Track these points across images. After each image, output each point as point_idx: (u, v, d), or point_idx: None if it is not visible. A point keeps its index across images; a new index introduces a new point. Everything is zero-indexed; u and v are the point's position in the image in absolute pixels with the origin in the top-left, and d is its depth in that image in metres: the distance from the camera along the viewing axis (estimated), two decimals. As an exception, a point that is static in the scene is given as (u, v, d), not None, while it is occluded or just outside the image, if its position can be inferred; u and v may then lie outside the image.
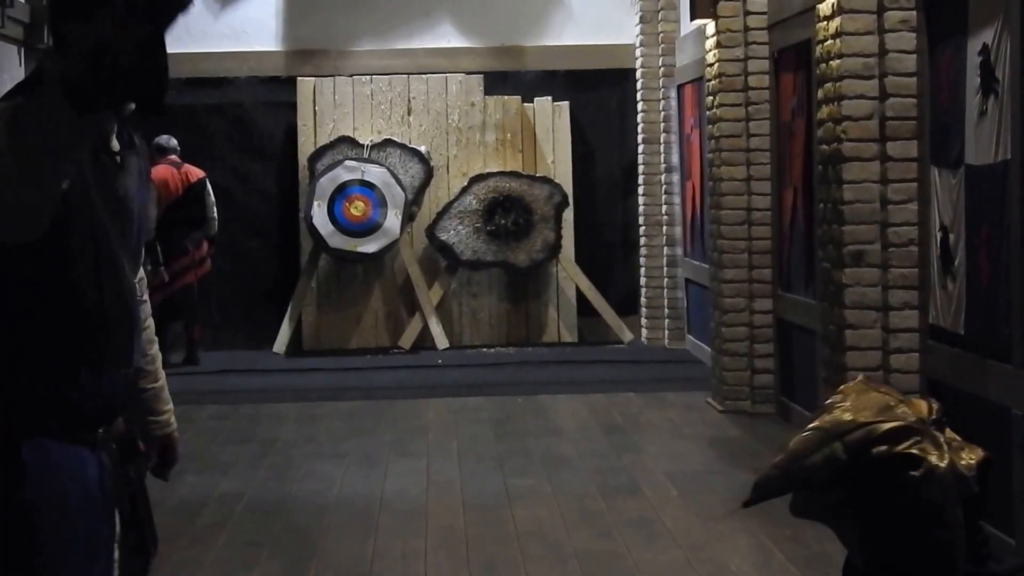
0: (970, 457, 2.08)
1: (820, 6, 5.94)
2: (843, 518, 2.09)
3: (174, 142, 9.80)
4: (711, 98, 7.89)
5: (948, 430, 2.12)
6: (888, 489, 2.03)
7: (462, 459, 6.82)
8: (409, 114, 10.71)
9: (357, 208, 10.27)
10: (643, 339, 10.61)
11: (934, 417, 2.11)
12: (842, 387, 2.15)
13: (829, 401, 2.13)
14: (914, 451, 2.04)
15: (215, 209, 9.85)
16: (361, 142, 10.50)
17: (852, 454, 2.04)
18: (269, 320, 10.50)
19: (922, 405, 2.12)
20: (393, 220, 10.25)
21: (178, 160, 9.77)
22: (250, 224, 10.78)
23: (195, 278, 9.78)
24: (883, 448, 2.04)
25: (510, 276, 10.65)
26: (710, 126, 7.95)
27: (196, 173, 9.79)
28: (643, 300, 10.64)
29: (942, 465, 2.04)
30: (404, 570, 5.06)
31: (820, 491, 2.08)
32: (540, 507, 5.85)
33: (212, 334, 10.35)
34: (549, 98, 10.76)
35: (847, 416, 2.07)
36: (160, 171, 9.45)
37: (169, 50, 2.08)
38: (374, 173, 10.31)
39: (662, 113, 10.38)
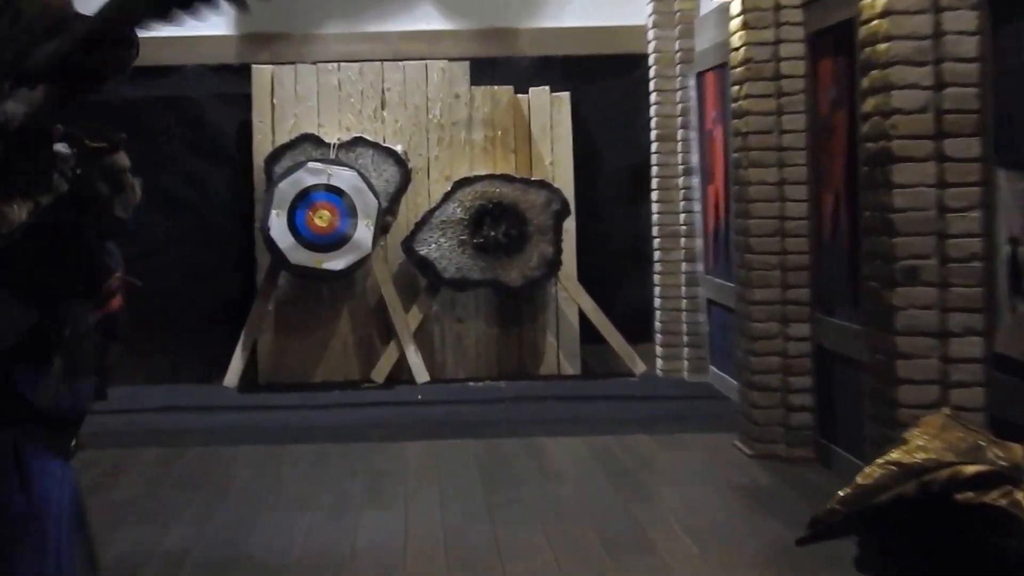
0: None
1: (865, -20, 5.96)
2: (903, 566, 2.07)
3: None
4: (737, 88, 7.89)
5: None
6: (968, 540, 2.01)
7: (446, 509, 6.80)
8: (383, 108, 10.71)
9: (322, 218, 10.26)
10: (658, 370, 10.60)
11: None
12: (923, 419, 2.13)
13: (907, 434, 2.11)
14: (1003, 503, 2.02)
15: None
16: (327, 141, 10.49)
17: (929, 496, 2.02)
18: (218, 349, 10.46)
19: (1017, 450, 2.10)
20: (364, 232, 10.24)
21: None
22: (196, 236, 10.76)
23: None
24: (969, 495, 2.02)
25: (501, 297, 10.64)
26: (736, 121, 7.95)
27: None
28: (658, 325, 10.64)
29: None
30: (379, 641, 5.04)
31: (879, 532, 2.06)
32: (536, 565, 5.83)
33: (151, 365, 10.31)
34: (547, 88, 10.77)
35: (927, 453, 2.05)
36: None
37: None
38: (342, 177, 10.31)
39: (679, 106, 10.40)
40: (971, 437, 2.06)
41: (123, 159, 3.35)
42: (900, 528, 2.02)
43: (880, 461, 2.06)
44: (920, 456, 2.03)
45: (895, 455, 2.06)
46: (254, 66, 10.68)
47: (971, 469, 2.03)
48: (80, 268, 3.31)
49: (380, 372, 10.43)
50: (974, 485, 2.01)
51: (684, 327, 10.40)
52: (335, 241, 10.24)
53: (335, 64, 10.71)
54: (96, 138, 3.33)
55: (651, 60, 10.60)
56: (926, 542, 2.01)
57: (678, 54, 10.35)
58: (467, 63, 10.78)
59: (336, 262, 10.25)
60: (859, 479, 2.04)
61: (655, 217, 10.61)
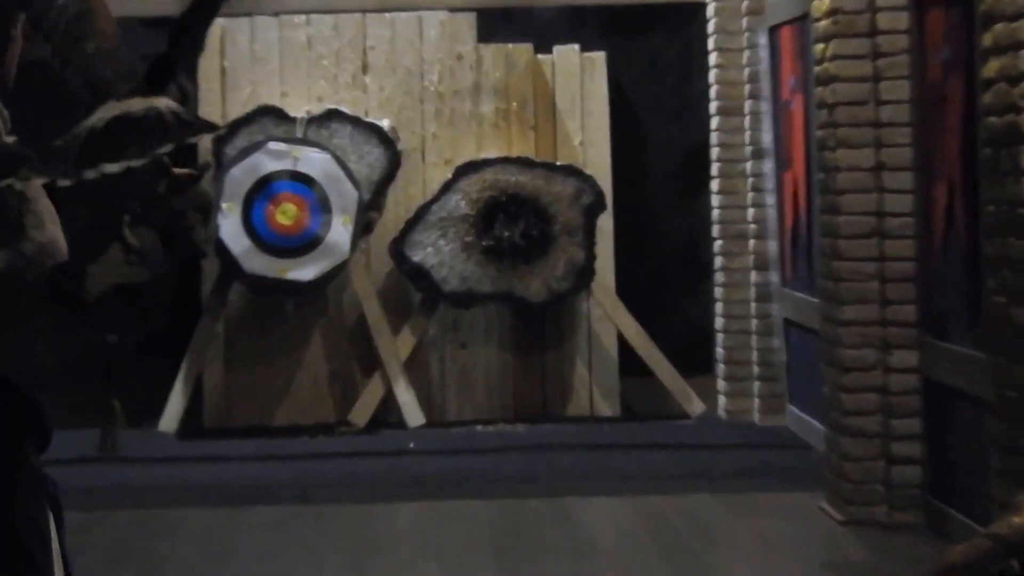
0: None
1: (988, -92, 5.98)
2: None
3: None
4: (821, 47, 7.92)
5: None
6: None
7: (448, 592, 6.84)
8: (365, 72, 10.76)
9: (286, 213, 10.29)
10: (721, 411, 10.62)
11: None
12: None
13: (1020, 498, 2.13)
14: None
15: None
16: (293, 115, 10.53)
17: None
18: (153, 384, 10.49)
19: None
20: (340, 232, 10.27)
21: None
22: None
23: None
24: None
25: (518, 316, 10.67)
26: (820, 89, 7.98)
27: None
28: (720, 352, 10.66)
29: None
30: None
31: None
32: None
33: (69, 405, 10.33)
34: (576, 47, 10.81)
35: None
36: None
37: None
38: (312, 161, 10.34)
39: (747, 70, 10.43)
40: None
41: (207, 188, 3.73)
42: None
43: (981, 533, 2.08)
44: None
45: (995, 526, 2.07)
46: (199, 19, 10.70)
47: None
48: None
49: (361, 413, 10.45)
50: None
51: (754, 355, 10.42)
52: (303, 243, 10.27)
53: (303, 16, 10.75)
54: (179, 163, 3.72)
55: (710, 11, 10.63)
56: None
57: (745, 3, 10.39)
58: (473, 15, 10.81)
59: (304, 271, 10.27)
60: (951, 556, 2.06)
61: (716, 213, 10.64)
